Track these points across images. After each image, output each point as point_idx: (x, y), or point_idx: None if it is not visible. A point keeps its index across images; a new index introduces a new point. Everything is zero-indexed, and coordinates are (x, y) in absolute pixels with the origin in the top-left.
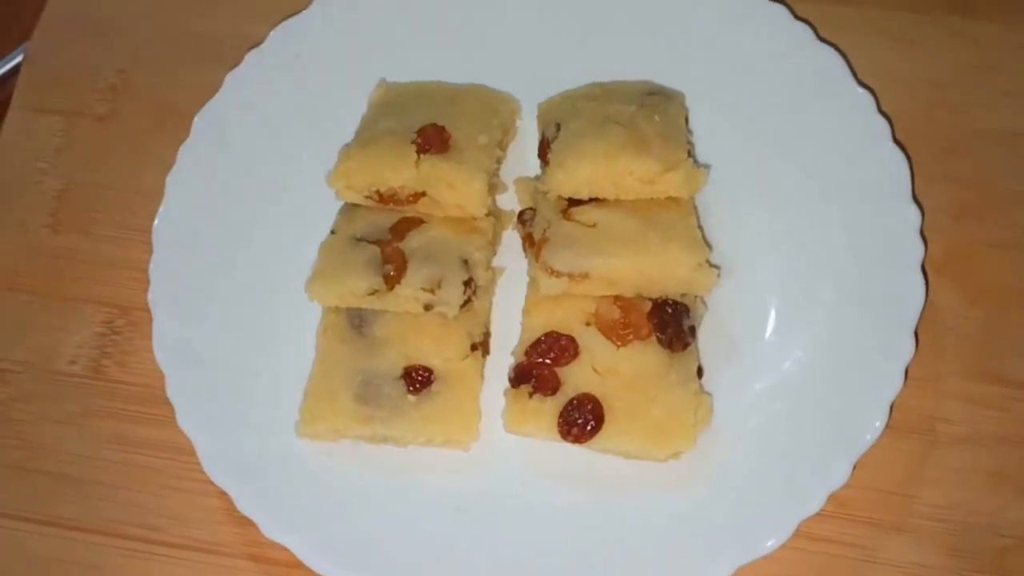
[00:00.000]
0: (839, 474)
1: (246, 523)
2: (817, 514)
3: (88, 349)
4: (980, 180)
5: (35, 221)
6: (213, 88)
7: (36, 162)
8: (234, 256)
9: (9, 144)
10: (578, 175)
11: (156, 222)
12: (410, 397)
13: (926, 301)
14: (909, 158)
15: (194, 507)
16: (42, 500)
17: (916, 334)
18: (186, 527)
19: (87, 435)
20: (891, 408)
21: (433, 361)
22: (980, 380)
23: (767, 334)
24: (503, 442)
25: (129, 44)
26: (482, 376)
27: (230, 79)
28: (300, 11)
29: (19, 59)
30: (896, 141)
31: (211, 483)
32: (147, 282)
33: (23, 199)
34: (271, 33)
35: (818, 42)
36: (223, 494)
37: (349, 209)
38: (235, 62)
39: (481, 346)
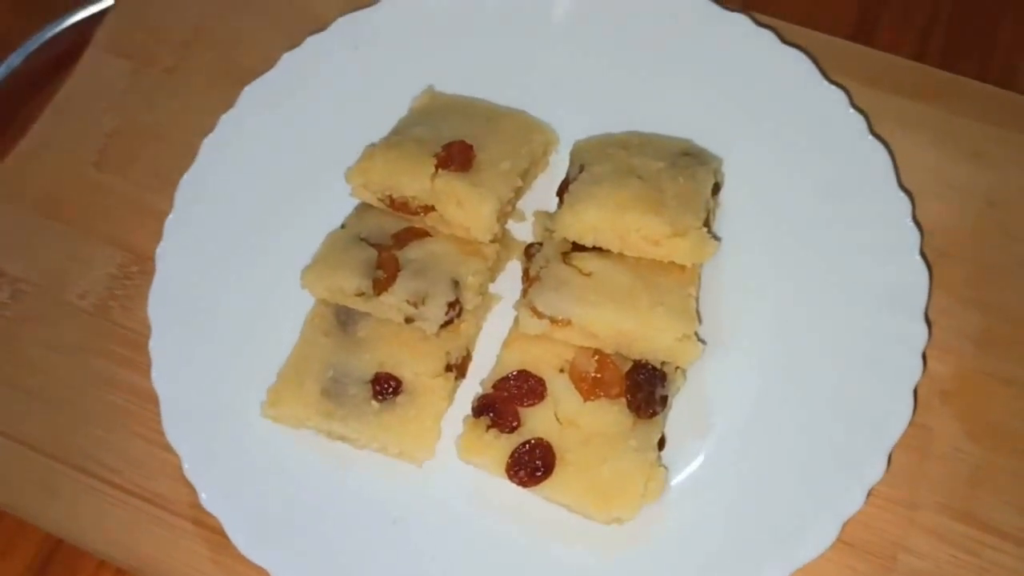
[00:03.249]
0: None
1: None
2: None
3: (99, 287)
4: (1011, 312)
5: (84, 155)
6: (270, 60)
7: (99, 101)
8: (248, 231)
9: (80, 79)
10: (585, 220)
11: (183, 180)
12: (374, 403)
13: (917, 423)
14: (935, 273)
15: (154, 459)
16: (19, 416)
17: (891, 457)
18: (142, 476)
19: (77, 367)
20: (846, 525)
21: (405, 373)
22: (957, 518)
23: (741, 419)
24: (457, 466)
25: (208, 2)
26: (451, 397)
27: (286, 59)
28: (366, 4)
29: (109, 2)
30: (925, 254)
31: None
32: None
33: (79, 132)
34: (335, 22)
35: (868, 136)
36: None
37: (364, 208)
38: (299, 37)
39: (457, 368)
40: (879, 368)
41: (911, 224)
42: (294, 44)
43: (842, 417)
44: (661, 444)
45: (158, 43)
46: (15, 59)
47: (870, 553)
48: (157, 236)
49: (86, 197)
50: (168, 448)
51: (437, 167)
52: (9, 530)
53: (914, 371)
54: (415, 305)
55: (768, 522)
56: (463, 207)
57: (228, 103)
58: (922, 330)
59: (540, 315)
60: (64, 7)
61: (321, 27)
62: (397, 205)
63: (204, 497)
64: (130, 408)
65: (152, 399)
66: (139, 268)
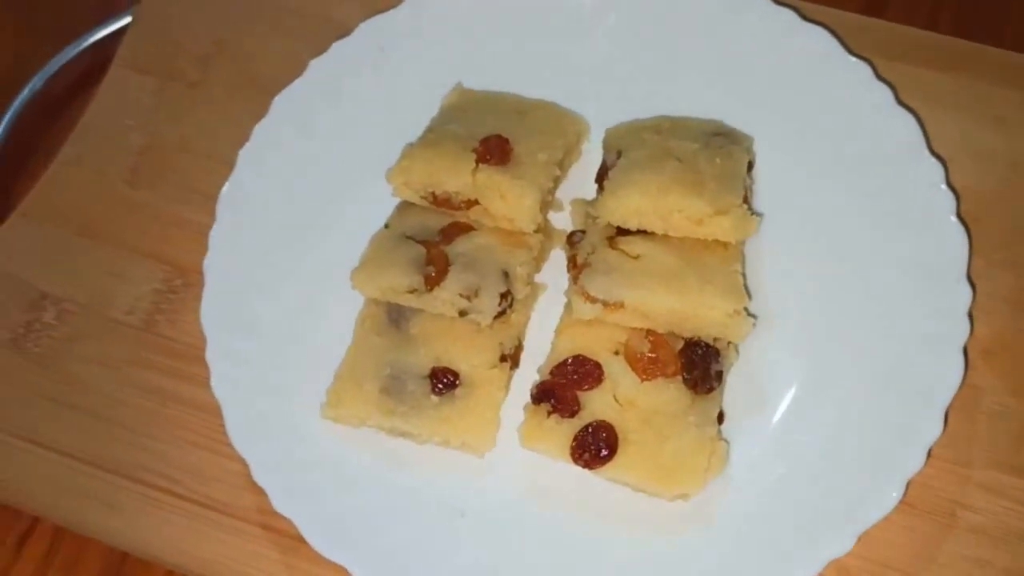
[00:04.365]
0: (841, 544)
1: (259, 492)
2: None
3: (145, 302)
4: None
5: (116, 173)
6: (296, 67)
7: (126, 118)
8: (291, 237)
9: (105, 97)
10: (628, 205)
11: (223, 192)
12: (433, 397)
13: (965, 383)
14: (971, 237)
15: (216, 467)
16: (75, 435)
17: (947, 416)
18: (205, 485)
19: (129, 382)
20: (907, 486)
21: (461, 366)
22: (1010, 472)
23: (795, 390)
24: (518, 455)
25: (227, 16)
26: (507, 387)
27: (314, 66)
28: (390, 6)
29: (127, 20)
30: (960, 217)
31: (234, 447)
32: (206, 247)
33: (108, 151)
34: (359, 26)
35: (896, 106)
36: (242, 460)
37: (405, 206)
38: (321, 45)
39: (511, 358)
40: (928, 331)
41: (946, 189)
42: (316, 52)
43: (896, 380)
44: (720, 419)
45: (180, 58)
46: (37, 82)
47: (929, 512)
48: (197, 249)
49: (121, 215)
50: (227, 455)
51: (477, 162)
52: (74, 548)
53: (962, 331)
54: (468, 298)
55: (832, 488)
56: (506, 200)
57: (254, 113)
58: (966, 290)
59: (593, 300)
60: (82, 26)
61: (343, 33)
62: (440, 201)
63: (276, 501)
64: (185, 419)
65: (206, 408)
66: (183, 281)
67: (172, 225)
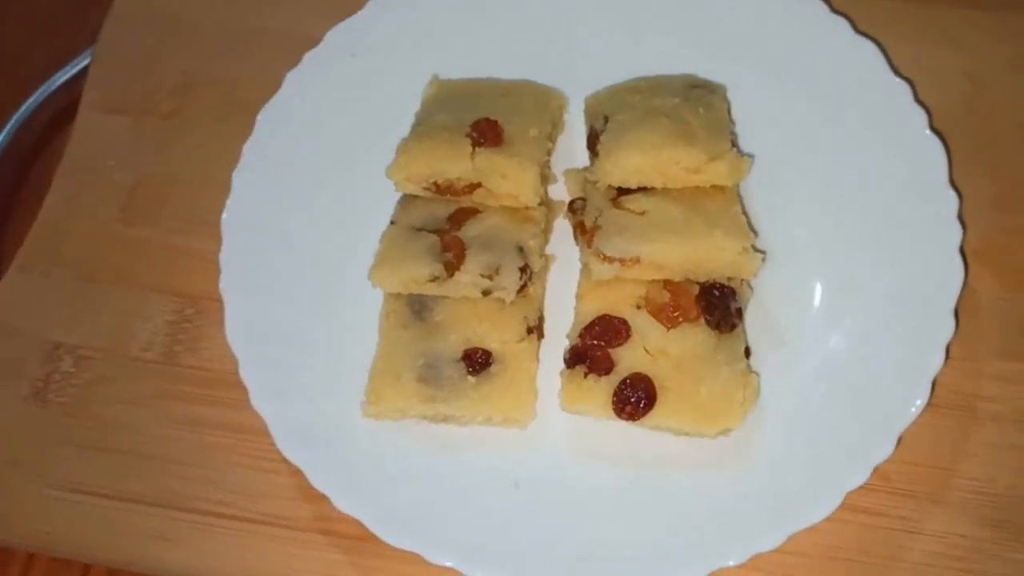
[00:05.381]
0: (884, 447)
1: (314, 499)
2: (860, 487)
3: (161, 336)
4: (1018, 171)
5: (108, 215)
6: (271, 84)
7: (107, 159)
8: (298, 247)
9: (81, 142)
10: (627, 165)
11: (224, 215)
12: (470, 378)
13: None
14: (947, 147)
15: (264, 483)
16: (118, 477)
17: (956, 314)
18: (258, 502)
19: (160, 416)
20: (933, 385)
21: (491, 344)
22: (1018, 360)
23: (811, 316)
24: (557, 421)
25: (192, 43)
26: (537, 358)
27: (290, 78)
28: (355, 11)
29: (87, 61)
30: (933, 130)
31: (279, 461)
32: (216, 271)
33: (96, 194)
34: (327, 34)
35: (856, 35)
36: (291, 471)
37: (407, 200)
38: (293, 59)
39: (536, 330)
40: (924, 240)
41: (916, 105)
42: (287, 68)
43: (903, 289)
44: (747, 353)
45: (150, 92)
46: (5, 137)
47: (950, 409)
48: (204, 276)
49: (121, 253)
50: (274, 470)
51: (473, 146)
52: None
53: (955, 234)
54: (490, 277)
55: (865, 398)
56: (508, 178)
57: (236, 135)
58: (953, 196)
59: (610, 260)
60: (39, 74)
61: (311, 45)
62: (443, 189)
63: (338, 503)
64: (224, 442)
65: (243, 428)
66: (195, 309)
67: (175, 256)
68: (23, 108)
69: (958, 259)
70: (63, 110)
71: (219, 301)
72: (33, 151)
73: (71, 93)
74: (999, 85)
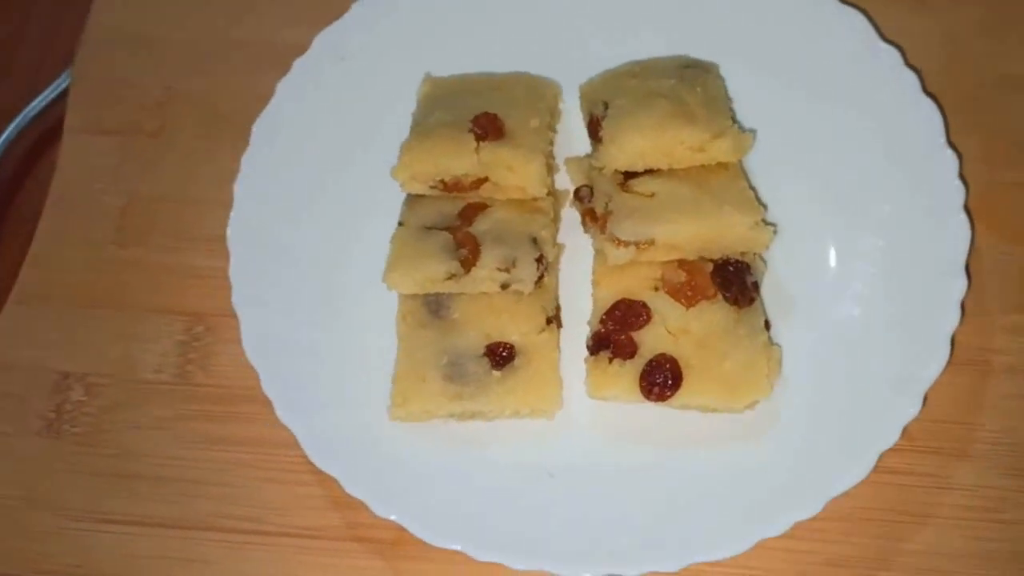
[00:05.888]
0: (911, 406)
1: (343, 507)
2: (889, 448)
3: (172, 357)
4: (1004, 126)
5: (102, 238)
6: (256, 95)
7: (95, 183)
8: (306, 254)
9: (67, 167)
10: (631, 149)
11: (228, 230)
12: (495, 372)
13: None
14: (941, 107)
15: (292, 496)
16: (141, 502)
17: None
18: (288, 516)
19: (179, 437)
20: (952, 341)
21: (512, 337)
22: None
23: (824, 284)
24: (583, 409)
25: (171, 59)
26: (559, 347)
27: (281, 87)
28: (339, 15)
29: (66, 84)
30: (927, 92)
31: (303, 472)
32: (221, 287)
33: (87, 218)
34: (314, 40)
35: (841, 5)
36: (317, 482)
37: (413, 200)
38: (277, 68)
39: (555, 319)
40: (928, 199)
41: (907, 69)
42: (270, 78)
43: (913, 250)
44: (767, 326)
45: (133, 111)
46: None
47: (965, 364)
48: (210, 293)
49: (120, 277)
50: (300, 482)
51: (476, 141)
52: None
53: (959, 191)
54: (507, 270)
55: (886, 360)
56: (514, 170)
57: (226, 150)
58: (951, 155)
59: (625, 244)
60: (16, 100)
61: (297, 53)
62: (450, 186)
63: (376, 508)
64: (246, 458)
65: (265, 443)
66: (204, 327)
67: (177, 275)
68: (3, 137)
69: (963, 216)
70: (43, 136)
71: (228, 317)
72: (15, 180)
73: (47, 119)
74: (975, 44)
